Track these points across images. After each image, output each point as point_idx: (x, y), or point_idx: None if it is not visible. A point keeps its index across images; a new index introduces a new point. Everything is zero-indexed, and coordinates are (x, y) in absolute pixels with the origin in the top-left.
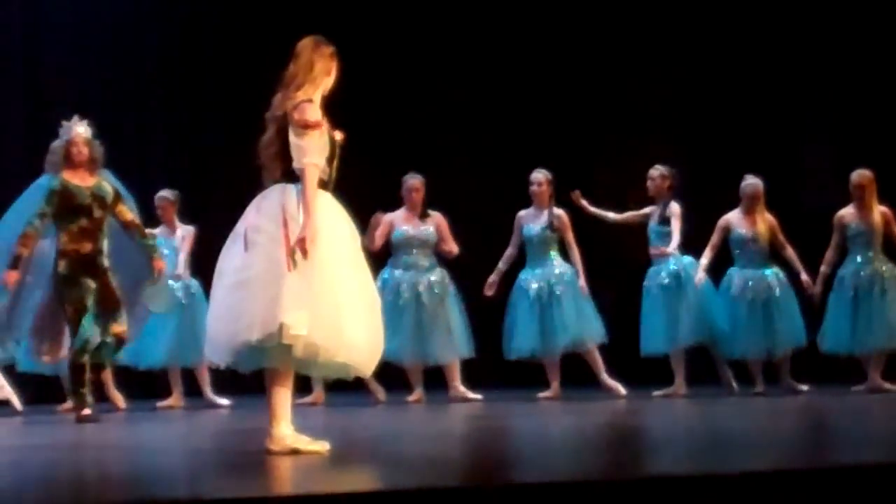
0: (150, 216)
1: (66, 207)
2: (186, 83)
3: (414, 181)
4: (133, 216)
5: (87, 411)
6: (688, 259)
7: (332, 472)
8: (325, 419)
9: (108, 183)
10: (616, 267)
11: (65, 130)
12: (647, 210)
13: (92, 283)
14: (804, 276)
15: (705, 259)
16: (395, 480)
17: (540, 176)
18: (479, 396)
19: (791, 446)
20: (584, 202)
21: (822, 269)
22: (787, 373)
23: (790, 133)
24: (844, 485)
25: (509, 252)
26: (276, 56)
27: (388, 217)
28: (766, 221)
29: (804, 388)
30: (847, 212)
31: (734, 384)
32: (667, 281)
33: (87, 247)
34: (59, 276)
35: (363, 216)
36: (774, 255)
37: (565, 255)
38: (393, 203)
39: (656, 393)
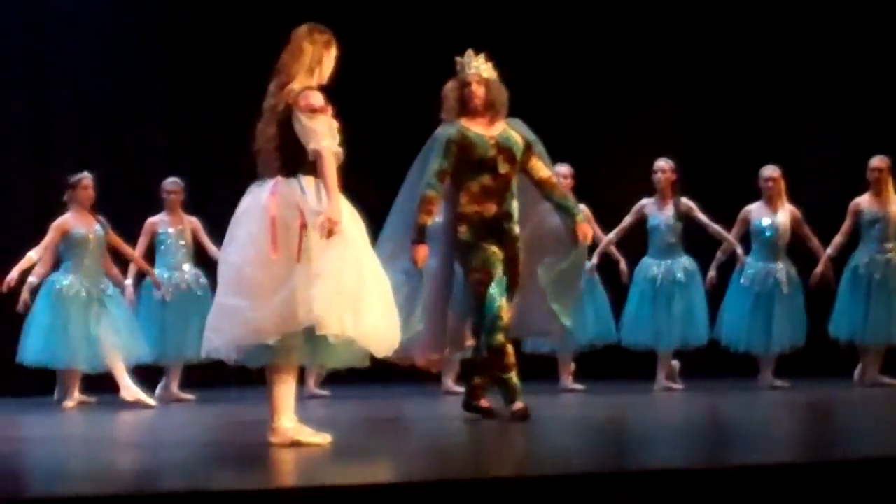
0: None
1: (466, 161)
2: (189, 69)
3: None
4: (549, 173)
5: (519, 405)
6: (686, 259)
7: (338, 465)
8: (331, 411)
9: (516, 132)
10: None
11: (459, 69)
12: (644, 209)
13: (500, 252)
14: (818, 270)
15: (721, 254)
16: (402, 473)
17: (664, 164)
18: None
19: (796, 440)
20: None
21: (829, 252)
22: (770, 368)
23: (792, 126)
24: (850, 479)
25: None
26: (282, 40)
27: None
28: (787, 212)
29: (784, 383)
30: (863, 199)
31: (673, 384)
32: (660, 278)
33: (490, 209)
34: (459, 243)
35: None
36: (793, 250)
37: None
38: None
39: (673, 385)
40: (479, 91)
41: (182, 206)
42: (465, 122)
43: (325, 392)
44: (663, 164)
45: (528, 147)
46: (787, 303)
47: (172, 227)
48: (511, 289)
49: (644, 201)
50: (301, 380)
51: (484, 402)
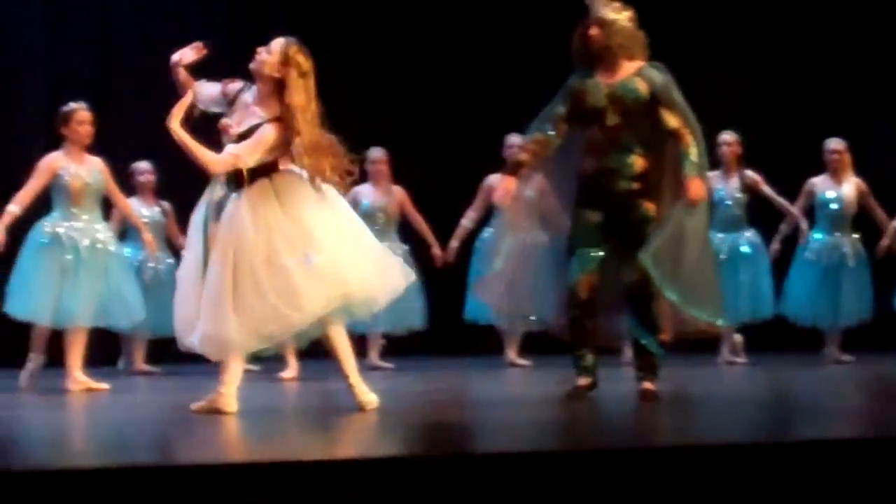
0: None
1: (579, 111)
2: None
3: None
4: (677, 124)
5: (584, 381)
6: (751, 232)
7: (399, 436)
8: (394, 383)
9: (645, 80)
10: None
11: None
12: (708, 182)
13: (596, 215)
14: (884, 242)
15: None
16: (462, 445)
17: (729, 137)
18: (528, 363)
19: (860, 415)
20: None
21: (894, 224)
22: (836, 343)
23: (858, 99)
24: None
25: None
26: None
27: (493, 179)
28: (852, 185)
29: (849, 358)
30: None
31: (737, 358)
32: (725, 251)
33: (591, 164)
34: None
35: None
36: (860, 223)
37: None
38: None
39: (736, 359)
40: (595, 35)
41: None
42: (592, 70)
43: (387, 364)
44: (728, 137)
45: (653, 96)
46: (854, 276)
47: None
48: (625, 249)
49: (709, 174)
50: (363, 352)
51: (647, 385)
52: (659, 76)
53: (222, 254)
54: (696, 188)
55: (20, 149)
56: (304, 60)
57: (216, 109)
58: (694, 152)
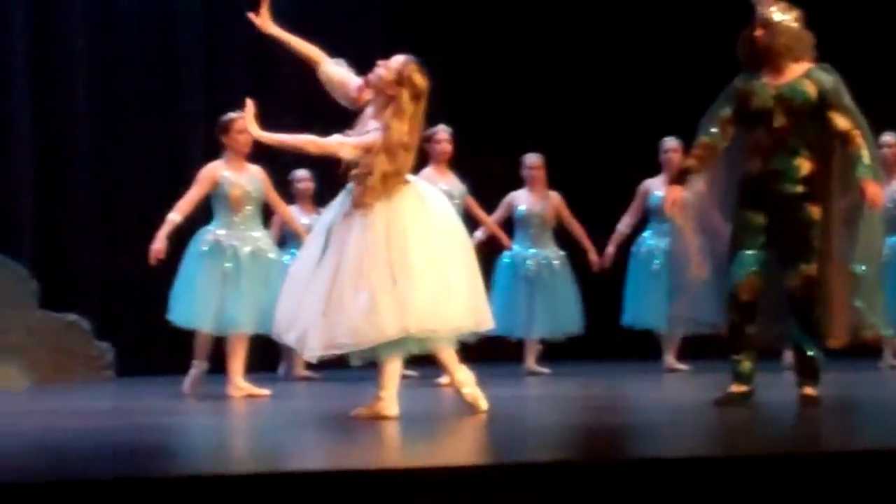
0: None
1: (745, 112)
2: None
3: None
4: (847, 125)
5: (738, 388)
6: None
7: (550, 442)
8: (550, 388)
9: (813, 81)
10: None
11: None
12: None
13: (759, 217)
14: None
15: None
16: (611, 450)
17: (891, 138)
18: (686, 367)
19: None
20: None
21: None
22: None
23: None
24: None
25: None
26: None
27: (648, 183)
28: None
29: None
30: None
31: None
32: (892, 256)
33: (755, 166)
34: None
35: None
36: None
37: None
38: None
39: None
40: (760, 36)
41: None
42: (758, 71)
43: (544, 369)
44: (889, 138)
45: (821, 98)
46: None
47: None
48: (790, 254)
49: None
50: (520, 357)
51: (808, 390)
52: (828, 78)
53: (329, 259)
54: (874, 191)
55: (180, 157)
56: (419, 81)
57: (338, 98)
58: (866, 155)
